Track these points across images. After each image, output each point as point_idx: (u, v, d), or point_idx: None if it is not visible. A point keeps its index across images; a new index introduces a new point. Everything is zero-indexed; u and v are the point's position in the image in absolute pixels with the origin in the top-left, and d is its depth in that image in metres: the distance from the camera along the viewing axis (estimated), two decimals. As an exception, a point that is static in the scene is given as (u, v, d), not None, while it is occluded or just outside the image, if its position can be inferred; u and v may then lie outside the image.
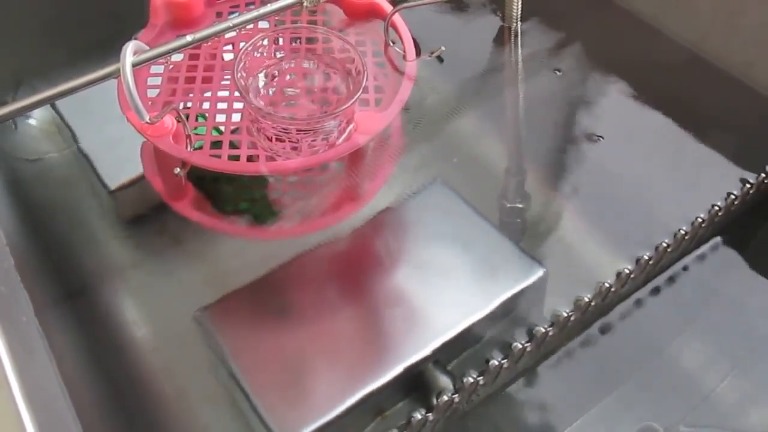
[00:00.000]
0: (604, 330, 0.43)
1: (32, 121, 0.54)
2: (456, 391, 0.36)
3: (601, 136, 0.52)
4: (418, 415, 0.34)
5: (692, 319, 0.44)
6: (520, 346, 0.36)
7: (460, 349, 0.40)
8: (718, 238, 0.47)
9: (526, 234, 0.47)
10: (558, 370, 0.41)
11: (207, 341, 0.40)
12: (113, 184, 0.48)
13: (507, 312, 0.41)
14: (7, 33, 0.55)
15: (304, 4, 0.46)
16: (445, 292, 0.41)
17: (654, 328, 0.44)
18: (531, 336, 0.37)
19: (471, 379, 0.35)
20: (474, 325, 0.40)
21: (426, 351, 0.38)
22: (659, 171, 0.50)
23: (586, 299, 0.38)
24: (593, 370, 0.42)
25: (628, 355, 0.42)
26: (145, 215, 0.48)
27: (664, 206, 0.47)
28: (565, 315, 0.37)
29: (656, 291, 0.45)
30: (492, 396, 0.40)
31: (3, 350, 0.27)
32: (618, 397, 0.40)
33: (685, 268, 0.46)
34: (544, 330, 0.37)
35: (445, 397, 0.35)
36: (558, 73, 0.56)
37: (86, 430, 0.28)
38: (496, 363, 0.36)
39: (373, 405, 0.38)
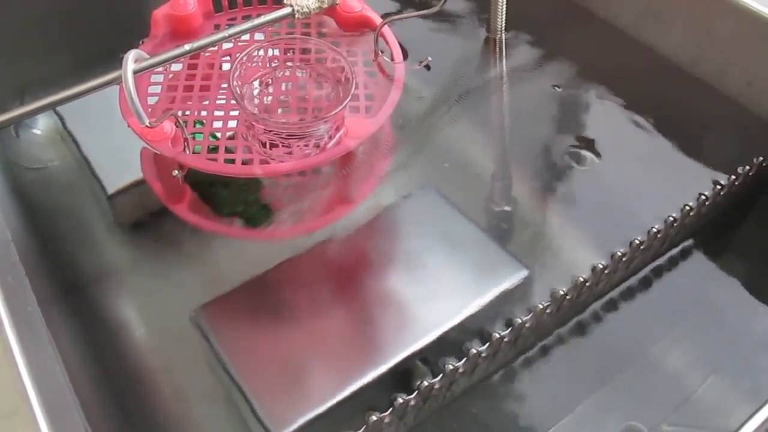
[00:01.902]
0: (586, 331, 0.44)
1: (36, 131, 0.55)
2: (434, 375, 0.37)
3: (583, 142, 0.53)
4: (400, 399, 0.35)
5: (674, 321, 0.45)
6: (498, 336, 0.38)
7: (447, 346, 0.41)
8: (696, 241, 0.48)
9: (512, 236, 0.48)
10: (542, 372, 0.42)
11: (203, 339, 0.41)
12: (111, 189, 0.50)
13: (492, 311, 0.42)
14: (12, 43, 0.56)
15: (296, 16, 0.47)
16: (433, 293, 0.43)
17: (636, 329, 0.45)
18: (509, 325, 0.39)
19: (451, 366, 0.37)
20: (459, 324, 0.41)
21: (413, 348, 0.40)
22: (640, 175, 0.51)
23: (561, 292, 0.39)
24: (577, 371, 0.43)
25: (611, 357, 0.43)
26: (143, 220, 0.50)
27: (646, 210, 0.48)
28: (541, 307, 0.39)
29: (639, 293, 0.46)
30: (476, 397, 0.41)
31: (11, 334, 0.28)
32: (602, 397, 0.41)
33: (665, 271, 0.47)
34: (521, 321, 0.38)
35: (426, 383, 0.36)
36: (542, 81, 0.57)
37: (85, 409, 0.30)
38: (475, 351, 0.37)
39: (363, 400, 0.38)
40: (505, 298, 0.42)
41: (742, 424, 0.33)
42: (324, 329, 0.41)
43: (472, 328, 0.41)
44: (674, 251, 0.48)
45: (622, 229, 0.46)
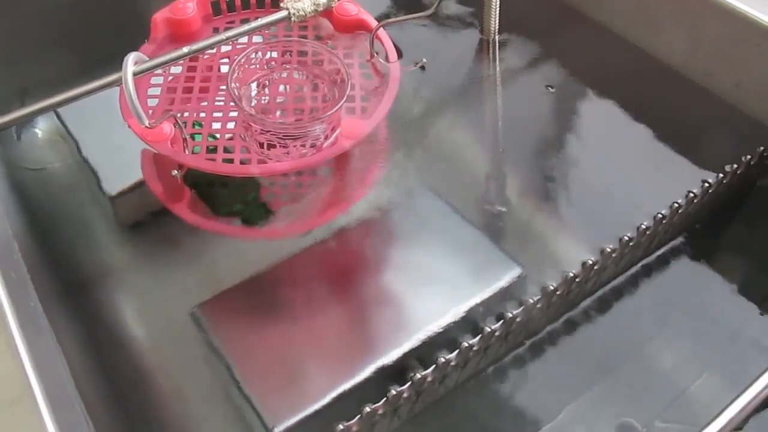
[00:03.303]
0: (579, 329, 0.45)
1: (37, 131, 0.56)
2: (426, 367, 0.38)
3: (575, 142, 0.54)
4: (393, 391, 0.36)
5: (666, 319, 0.46)
6: (489, 330, 0.38)
7: (442, 344, 0.41)
8: (686, 240, 0.49)
9: (507, 236, 0.48)
10: (536, 369, 0.43)
11: (202, 337, 0.41)
12: (113, 191, 0.50)
13: (487, 309, 0.42)
14: (13, 45, 0.57)
15: (292, 19, 0.48)
16: (428, 291, 0.43)
17: (628, 327, 0.45)
18: (500, 318, 0.40)
19: (443, 359, 0.37)
20: (455, 321, 0.42)
21: (409, 346, 0.40)
22: (632, 175, 0.52)
23: (552, 287, 0.40)
24: (571, 368, 0.43)
25: (605, 354, 0.44)
26: (144, 220, 0.50)
27: (638, 208, 0.48)
28: (532, 301, 0.39)
29: (630, 291, 0.46)
30: (471, 393, 0.41)
31: (14, 327, 0.29)
32: (596, 393, 0.42)
33: (656, 269, 0.48)
34: (511, 315, 0.39)
35: (418, 375, 0.37)
36: (534, 82, 0.58)
37: (84, 401, 0.30)
38: (466, 345, 0.38)
39: (360, 396, 0.39)
40: (500, 295, 0.43)
41: (715, 417, 0.34)
42: (321, 327, 0.42)
43: (468, 326, 0.42)
44: (664, 249, 0.49)
45: (616, 227, 0.46)
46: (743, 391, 0.34)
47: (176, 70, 0.50)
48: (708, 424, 0.33)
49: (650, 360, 0.44)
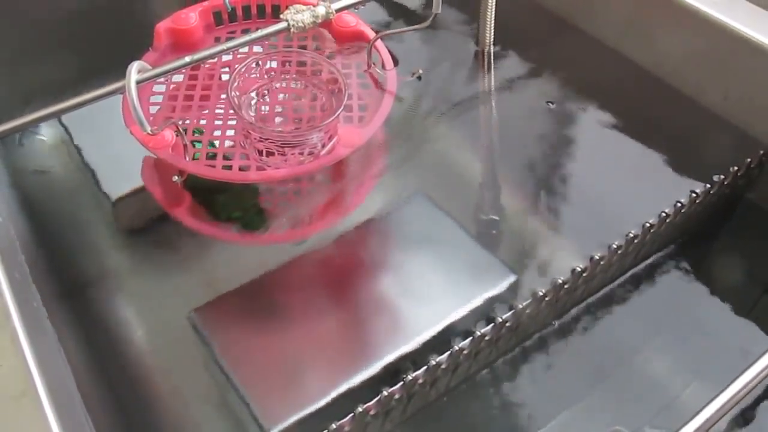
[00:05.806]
0: (571, 337, 0.45)
1: (41, 137, 0.56)
2: (417, 369, 0.38)
3: (568, 152, 0.55)
4: (385, 392, 0.37)
5: (655, 328, 0.46)
6: (479, 334, 0.39)
7: (436, 349, 0.42)
8: (677, 251, 0.50)
9: (501, 243, 0.49)
10: (528, 376, 0.43)
11: (200, 340, 0.42)
12: (114, 195, 0.51)
13: (481, 315, 0.43)
14: (19, 53, 0.58)
15: (291, 30, 0.49)
16: (424, 297, 0.44)
17: (619, 336, 0.46)
18: (490, 321, 0.40)
19: (434, 362, 0.38)
20: (448, 327, 0.42)
21: (403, 350, 0.41)
22: (623, 185, 0.53)
23: (541, 293, 0.40)
24: (562, 376, 0.44)
25: (596, 362, 0.45)
26: (144, 225, 0.51)
27: (629, 218, 0.49)
28: (521, 306, 0.40)
29: (621, 299, 0.47)
30: (462, 398, 0.42)
31: (18, 326, 0.30)
32: (587, 401, 0.42)
33: (646, 278, 0.49)
34: (501, 319, 0.40)
35: (410, 377, 0.37)
36: (527, 92, 0.59)
37: (84, 398, 0.31)
38: (457, 348, 0.38)
39: (354, 399, 0.40)
40: (495, 302, 0.44)
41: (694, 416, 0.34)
42: (317, 331, 0.42)
43: (461, 332, 0.43)
44: (653, 259, 0.49)
45: (607, 236, 0.47)
46: (717, 395, 0.35)
47: (178, 78, 0.51)
48: (683, 426, 0.34)
49: (640, 368, 0.44)
